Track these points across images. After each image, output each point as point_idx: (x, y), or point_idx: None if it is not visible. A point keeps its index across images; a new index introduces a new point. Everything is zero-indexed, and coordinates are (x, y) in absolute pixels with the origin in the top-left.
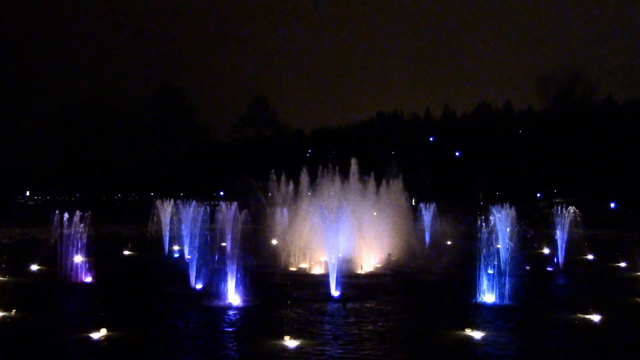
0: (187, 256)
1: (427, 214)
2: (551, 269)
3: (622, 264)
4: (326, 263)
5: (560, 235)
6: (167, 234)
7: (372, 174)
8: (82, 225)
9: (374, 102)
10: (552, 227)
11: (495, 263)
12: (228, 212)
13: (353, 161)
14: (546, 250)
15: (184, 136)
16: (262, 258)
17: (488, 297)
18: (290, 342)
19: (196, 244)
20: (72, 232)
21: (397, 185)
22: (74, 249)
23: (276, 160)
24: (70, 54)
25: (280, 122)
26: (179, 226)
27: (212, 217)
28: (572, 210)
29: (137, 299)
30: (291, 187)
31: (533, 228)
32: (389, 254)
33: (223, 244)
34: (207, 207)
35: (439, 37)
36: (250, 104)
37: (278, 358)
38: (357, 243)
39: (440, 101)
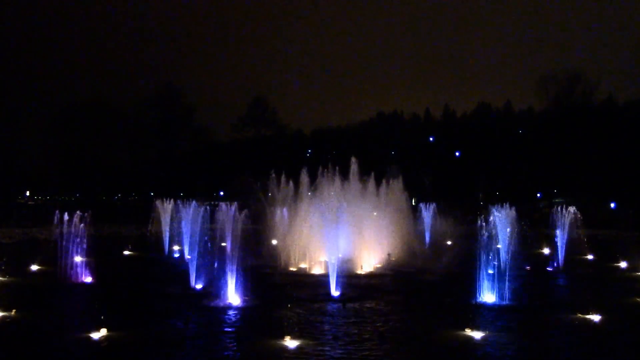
0: (187, 256)
1: (427, 214)
2: (551, 269)
3: (622, 264)
4: (326, 263)
5: (560, 235)
6: (167, 234)
7: (372, 174)
8: (82, 225)
9: (374, 102)
10: (552, 227)
11: (495, 263)
12: (228, 212)
13: (353, 161)
14: (546, 250)
15: (184, 136)
16: (262, 258)
17: (488, 297)
18: (290, 342)
19: (196, 244)
20: (72, 232)
21: (397, 185)
22: (74, 249)
23: (276, 160)
24: (70, 54)
25: (280, 122)
26: (179, 226)
27: (212, 217)
28: (572, 210)
29: (137, 299)
30: (291, 187)
31: (533, 228)
32: (389, 254)
33: (223, 244)
34: (207, 207)
35: (439, 37)
36: (250, 104)
37: (278, 358)
38: (357, 243)
39: (440, 101)
